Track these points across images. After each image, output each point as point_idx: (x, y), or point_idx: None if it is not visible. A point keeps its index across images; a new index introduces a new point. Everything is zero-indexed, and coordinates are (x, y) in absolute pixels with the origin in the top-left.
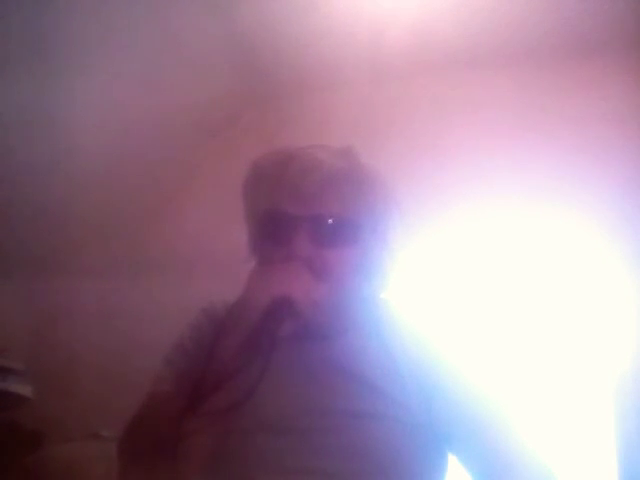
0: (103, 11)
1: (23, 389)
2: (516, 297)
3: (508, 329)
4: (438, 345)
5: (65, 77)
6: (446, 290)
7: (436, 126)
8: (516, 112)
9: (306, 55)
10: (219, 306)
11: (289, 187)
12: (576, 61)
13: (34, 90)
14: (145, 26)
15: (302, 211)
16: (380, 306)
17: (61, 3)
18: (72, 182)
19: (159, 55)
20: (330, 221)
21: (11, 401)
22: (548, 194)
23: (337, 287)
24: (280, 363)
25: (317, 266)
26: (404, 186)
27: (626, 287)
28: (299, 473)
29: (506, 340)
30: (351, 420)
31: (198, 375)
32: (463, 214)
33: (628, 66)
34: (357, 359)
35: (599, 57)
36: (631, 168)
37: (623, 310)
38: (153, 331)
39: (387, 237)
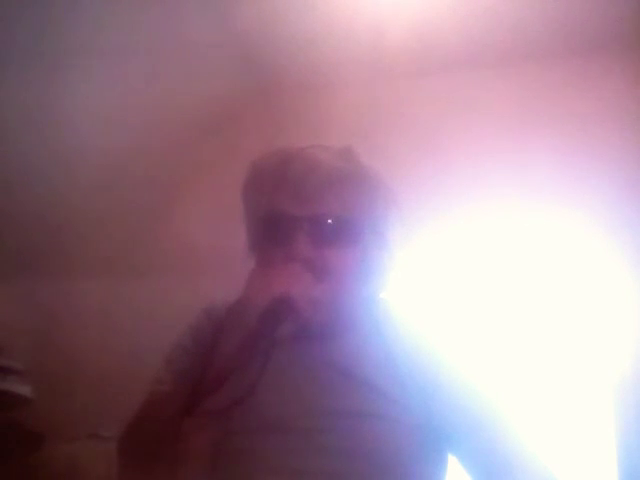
0: (103, 10)
1: (23, 389)
2: (516, 297)
3: (508, 329)
4: (438, 345)
5: (65, 77)
6: (446, 290)
7: (436, 126)
8: (516, 112)
9: (306, 55)
10: (219, 306)
11: (289, 187)
12: (576, 61)
13: (34, 90)
14: (145, 26)
15: (302, 211)
16: (380, 306)
17: (61, 3)
18: (72, 182)
19: (159, 55)
20: (330, 221)
21: (11, 401)
22: (548, 194)
23: (337, 287)
24: (280, 363)
25: (317, 266)
26: (404, 186)
27: (626, 287)
28: (299, 473)
29: (506, 340)
30: (351, 420)
31: (198, 375)
32: (463, 214)
33: (628, 66)
34: (357, 359)
35: (599, 57)
36: (631, 168)
37: (623, 310)
38: (153, 331)
39: (387, 237)
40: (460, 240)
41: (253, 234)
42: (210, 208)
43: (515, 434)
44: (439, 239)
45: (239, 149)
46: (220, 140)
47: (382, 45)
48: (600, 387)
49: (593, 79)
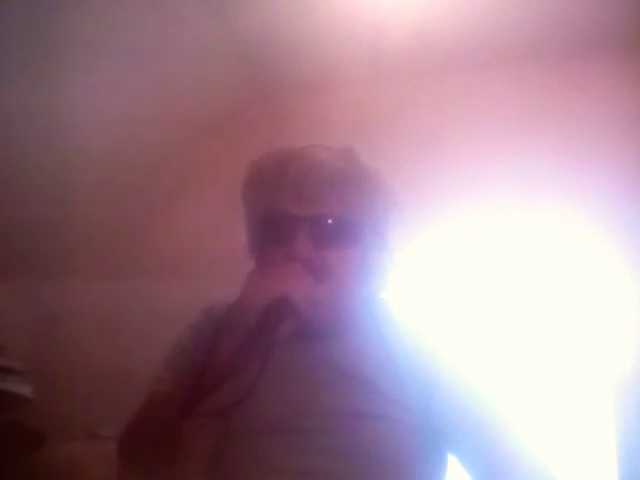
0: (104, 9)
1: (23, 389)
2: (516, 297)
3: (508, 329)
4: (438, 345)
5: (66, 76)
6: (446, 290)
7: (436, 126)
8: (516, 112)
9: (307, 54)
10: (219, 306)
11: (289, 187)
12: (576, 61)
13: (34, 90)
14: (146, 26)
15: (302, 211)
16: (380, 306)
17: (62, 3)
18: (73, 182)
19: (159, 55)
20: (330, 221)
21: (11, 401)
22: (548, 194)
23: (337, 288)
24: (280, 364)
25: (317, 267)
26: (404, 186)
27: (626, 287)
28: (299, 473)
29: (506, 340)
30: (351, 420)
31: (197, 375)
32: (463, 214)
33: (628, 66)
34: (357, 359)
35: (599, 57)
36: (631, 168)
37: (623, 310)
38: (153, 331)
39: (387, 238)
40: (460, 240)
41: (253, 234)
42: (210, 208)
43: (515, 434)
44: (439, 239)
45: (239, 149)
46: (220, 140)
47: (382, 45)
48: (600, 387)
49: (593, 79)
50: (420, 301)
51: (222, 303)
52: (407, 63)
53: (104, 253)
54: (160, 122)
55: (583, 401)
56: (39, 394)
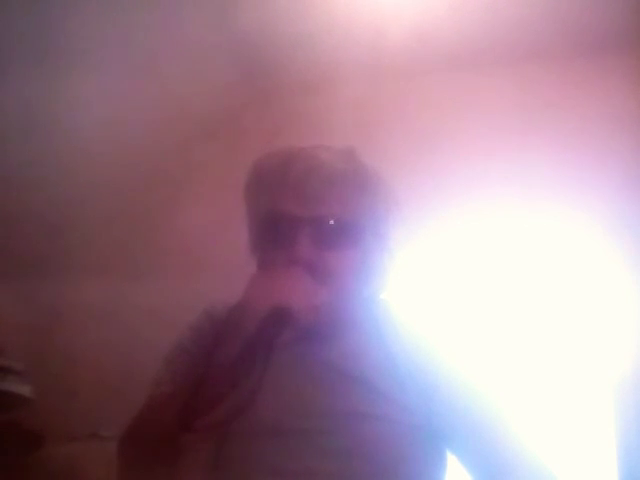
0: (103, 11)
1: (23, 389)
2: (516, 298)
3: (508, 330)
4: (438, 346)
5: (66, 77)
6: (446, 291)
7: (437, 126)
8: (516, 112)
9: (306, 55)
10: (220, 307)
11: (291, 188)
12: (576, 61)
13: (35, 90)
14: (145, 27)
15: (304, 212)
16: (380, 307)
17: (62, 3)
18: (72, 182)
19: (159, 55)
20: (332, 222)
21: (11, 401)
22: (548, 194)
23: (338, 289)
24: (280, 365)
25: (318, 269)
26: (404, 186)
27: (626, 287)
28: (300, 475)
29: (506, 341)
30: (351, 421)
31: (198, 377)
32: (463, 214)
33: (628, 66)
34: (357, 360)
35: (599, 57)
36: (631, 168)
37: (623, 310)
38: (153, 331)
39: (388, 238)
40: (460, 240)
41: (255, 234)
42: (210, 208)
43: (515, 434)
44: (439, 239)
45: (239, 149)
46: (220, 140)
47: (382, 45)
48: (600, 387)
49: (593, 79)
50: (420, 301)
51: (223, 304)
52: (407, 63)
53: (104, 253)
54: (159, 122)
55: (583, 401)
56: (39, 394)
